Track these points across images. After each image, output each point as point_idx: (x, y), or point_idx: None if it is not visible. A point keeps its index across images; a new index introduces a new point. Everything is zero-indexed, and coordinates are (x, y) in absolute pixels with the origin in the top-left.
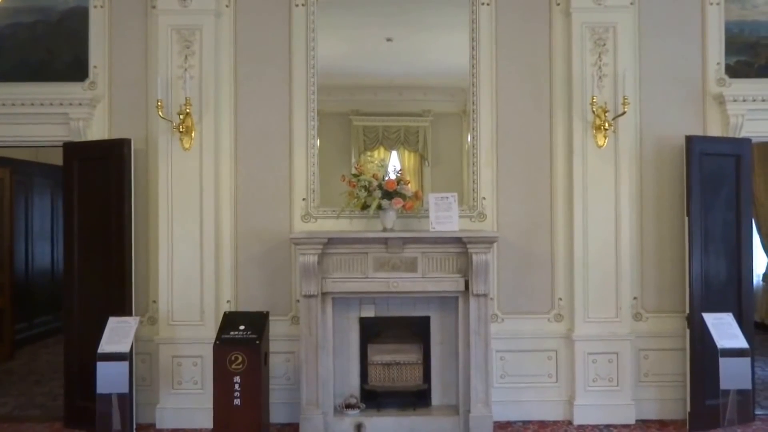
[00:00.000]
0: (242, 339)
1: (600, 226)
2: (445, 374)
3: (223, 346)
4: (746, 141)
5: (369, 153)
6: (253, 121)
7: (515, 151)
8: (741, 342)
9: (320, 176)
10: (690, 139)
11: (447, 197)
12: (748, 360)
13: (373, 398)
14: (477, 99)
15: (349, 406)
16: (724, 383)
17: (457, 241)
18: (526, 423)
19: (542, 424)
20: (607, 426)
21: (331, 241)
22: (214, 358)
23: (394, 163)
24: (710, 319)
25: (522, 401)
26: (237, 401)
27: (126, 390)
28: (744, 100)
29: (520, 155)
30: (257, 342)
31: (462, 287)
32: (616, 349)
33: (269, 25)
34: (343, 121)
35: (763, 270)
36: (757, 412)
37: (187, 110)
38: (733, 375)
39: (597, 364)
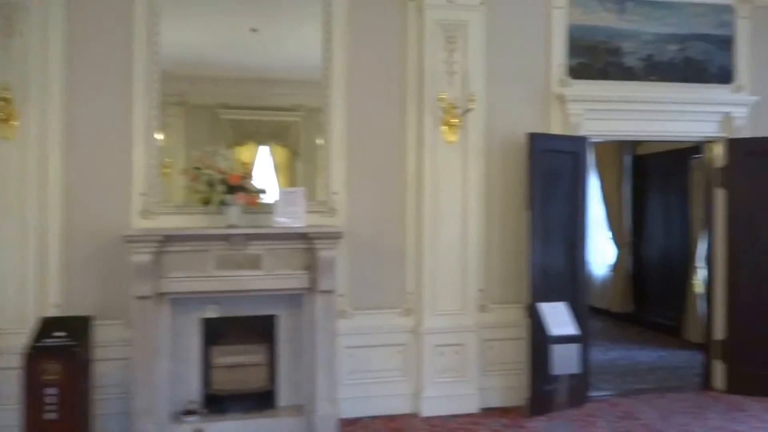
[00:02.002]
0: (58, 346)
1: (449, 220)
2: (293, 374)
3: (34, 355)
4: (583, 139)
5: (238, 148)
6: (89, 109)
7: (368, 146)
8: (571, 329)
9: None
10: (531, 137)
11: (294, 192)
12: (577, 346)
13: (216, 403)
14: (329, 92)
15: (188, 413)
16: (555, 369)
17: (303, 236)
18: (374, 418)
19: (390, 418)
20: (452, 416)
21: (169, 239)
22: (24, 368)
23: (263, 158)
24: (545, 308)
25: (371, 396)
26: (51, 415)
27: None
28: (583, 101)
29: (373, 150)
30: (76, 349)
31: (308, 284)
32: (463, 340)
33: (109, 9)
34: (210, 114)
35: (611, 261)
36: (593, 393)
37: (6, 95)
38: (564, 361)
39: (444, 356)
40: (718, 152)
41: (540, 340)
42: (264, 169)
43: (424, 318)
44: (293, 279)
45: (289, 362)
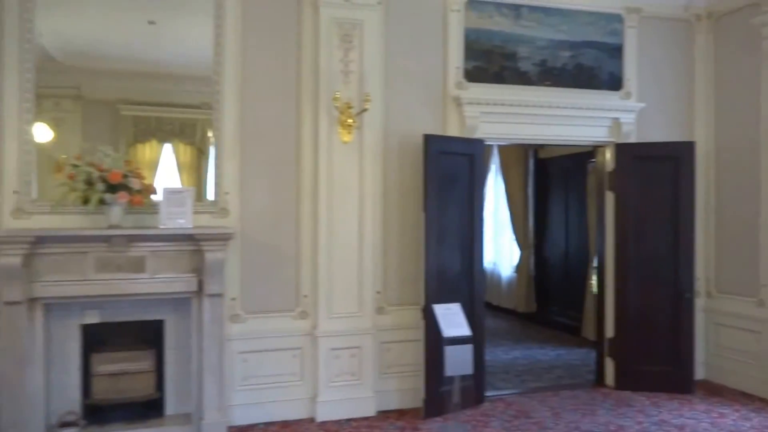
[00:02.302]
0: None
1: (345, 221)
2: (181, 381)
3: None
4: (479, 141)
5: (140, 146)
6: None
7: (262, 145)
8: (465, 330)
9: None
10: (427, 138)
11: (181, 191)
12: (470, 347)
13: (97, 413)
14: (221, 88)
15: (65, 425)
16: (448, 370)
17: (190, 238)
18: (268, 424)
19: (285, 424)
20: (348, 420)
21: (42, 240)
22: None
23: (167, 156)
24: (439, 309)
25: (266, 402)
26: None
27: None
28: (479, 103)
29: (267, 149)
30: None
31: (196, 287)
32: (359, 343)
33: None
34: (110, 110)
35: (516, 262)
36: (491, 393)
37: None
38: (456, 361)
39: (340, 359)
40: (608, 156)
41: (435, 342)
42: (168, 168)
43: (320, 321)
44: (179, 282)
45: (177, 369)
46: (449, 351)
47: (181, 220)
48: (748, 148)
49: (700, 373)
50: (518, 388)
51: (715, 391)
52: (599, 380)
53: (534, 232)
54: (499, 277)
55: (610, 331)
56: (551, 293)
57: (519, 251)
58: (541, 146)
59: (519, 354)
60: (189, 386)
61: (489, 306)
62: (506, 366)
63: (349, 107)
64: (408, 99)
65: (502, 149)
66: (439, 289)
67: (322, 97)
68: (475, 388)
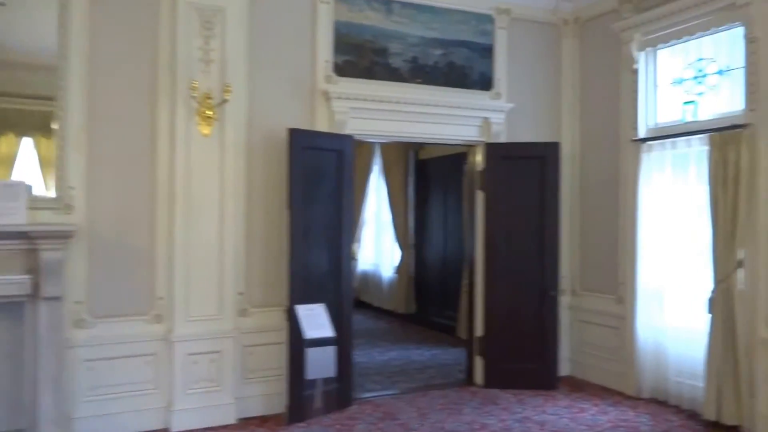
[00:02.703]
0: None
1: (204, 219)
2: (14, 394)
3: None
4: (348, 137)
5: None
6: None
7: (113, 137)
8: (327, 332)
9: None
10: (292, 132)
11: (13, 185)
12: (333, 349)
13: None
14: (65, 75)
15: None
16: (309, 373)
17: (23, 236)
18: None
19: None
20: (206, 429)
21: None
22: None
23: (26, 151)
24: (301, 310)
25: (116, 413)
26: None
27: None
28: (349, 98)
29: (119, 141)
30: None
31: (30, 290)
32: (219, 347)
33: None
34: None
35: (396, 263)
36: (361, 395)
37: None
38: (318, 364)
39: (198, 365)
40: (479, 156)
41: (298, 344)
42: (29, 163)
43: (176, 324)
44: (11, 285)
45: (10, 380)
46: (311, 353)
47: (15, 216)
48: (610, 150)
49: (565, 369)
50: (389, 389)
51: (578, 387)
52: (469, 379)
53: (414, 232)
54: (380, 279)
55: (479, 329)
56: (430, 294)
57: (400, 252)
58: (421, 145)
59: (395, 355)
60: (22, 399)
61: (370, 307)
62: (380, 367)
63: (209, 98)
64: (274, 92)
65: (384, 149)
66: (304, 289)
67: (179, 86)
68: (342, 391)
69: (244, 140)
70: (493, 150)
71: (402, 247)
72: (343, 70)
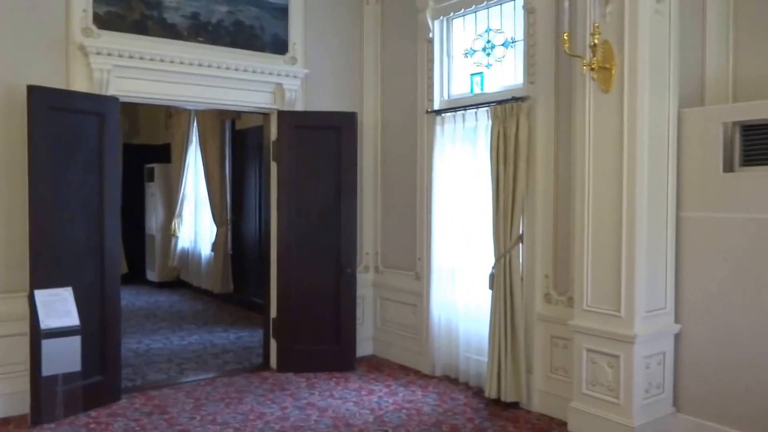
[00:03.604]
0: None
1: None
2: None
3: None
4: (112, 99)
5: None
6: None
7: None
8: (71, 320)
9: None
10: (33, 91)
11: None
12: (76, 339)
13: None
14: None
15: None
16: (46, 368)
17: None
18: None
19: None
20: None
21: None
22: None
23: None
24: (41, 296)
25: None
26: None
27: None
28: (111, 55)
29: None
30: None
31: None
32: None
33: None
34: None
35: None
36: (141, 387)
37: None
38: (58, 357)
39: None
40: (274, 126)
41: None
42: None
43: None
44: None
45: None
46: (47, 346)
47: None
48: (409, 122)
49: (368, 348)
50: (174, 378)
51: (377, 367)
52: (266, 363)
53: (231, 208)
54: (199, 257)
55: (274, 310)
56: (248, 273)
57: (215, 228)
58: (240, 115)
59: (196, 339)
60: None
61: (190, 288)
62: (175, 353)
63: None
64: (17, 43)
65: (200, 118)
66: (53, 271)
67: None
68: (108, 385)
69: None
70: (286, 119)
71: (218, 223)
72: (106, 22)
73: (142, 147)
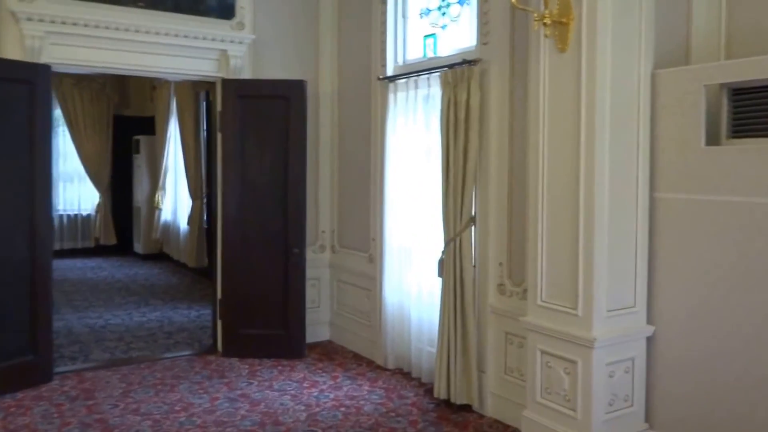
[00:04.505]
0: None
1: None
2: None
3: None
4: (43, 67)
5: None
6: None
7: None
8: None
9: None
10: None
11: None
12: None
13: None
14: None
15: None
16: None
17: None
18: None
19: None
20: None
21: None
22: None
23: None
24: None
25: None
26: None
27: None
28: (42, 21)
29: None
30: None
31: None
32: None
33: None
34: None
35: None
36: (77, 367)
37: None
38: None
39: None
40: (219, 95)
41: None
42: None
43: None
44: None
45: None
46: None
47: None
48: (363, 91)
49: (325, 333)
50: (114, 359)
51: (329, 355)
52: (214, 346)
53: (206, 181)
54: (178, 230)
55: (219, 291)
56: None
57: (191, 202)
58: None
59: (157, 316)
60: None
61: (170, 260)
62: (128, 331)
63: None
64: None
65: (177, 91)
66: None
67: None
68: (38, 365)
69: None
70: (231, 87)
71: (193, 197)
72: None
73: (133, 119)
